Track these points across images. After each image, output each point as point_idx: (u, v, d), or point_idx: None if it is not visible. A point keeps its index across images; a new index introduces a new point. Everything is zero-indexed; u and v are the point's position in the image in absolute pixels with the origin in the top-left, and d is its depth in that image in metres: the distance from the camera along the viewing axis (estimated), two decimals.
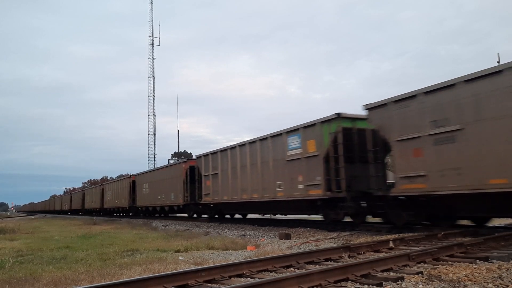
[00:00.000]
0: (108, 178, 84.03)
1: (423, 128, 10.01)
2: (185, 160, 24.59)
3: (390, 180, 11.67)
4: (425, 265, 6.18)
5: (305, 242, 10.88)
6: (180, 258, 9.01)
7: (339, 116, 12.52)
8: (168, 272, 5.86)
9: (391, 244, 8.12)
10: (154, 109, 64.79)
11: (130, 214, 35.45)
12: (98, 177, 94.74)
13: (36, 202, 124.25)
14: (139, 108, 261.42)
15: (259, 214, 19.98)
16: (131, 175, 34.24)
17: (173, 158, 48.80)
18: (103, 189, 42.72)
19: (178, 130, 60.08)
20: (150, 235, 15.95)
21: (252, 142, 16.76)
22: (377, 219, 13.18)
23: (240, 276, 5.98)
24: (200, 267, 6.37)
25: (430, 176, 9.84)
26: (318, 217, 15.11)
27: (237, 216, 22.54)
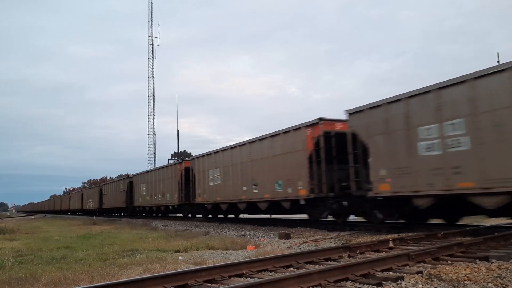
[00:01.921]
0: (108, 178, 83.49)
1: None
2: None
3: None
4: (425, 264, 6.19)
5: (305, 242, 10.89)
6: (180, 258, 9.01)
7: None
8: (168, 272, 5.86)
9: (391, 244, 8.13)
10: (154, 109, 64.82)
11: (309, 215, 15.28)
12: (98, 177, 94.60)
13: (36, 202, 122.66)
14: (139, 108, 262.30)
15: None
16: (310, 123, 13.85)
17: (173, 158, 48.17)
18: (184, 169, 23.68)
19: (178, 130, 60.26)
20: (150, 235, 15.95)
21: None
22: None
23: (240, 276, 5.98)
24: (200, 267, 6.37)
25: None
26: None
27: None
